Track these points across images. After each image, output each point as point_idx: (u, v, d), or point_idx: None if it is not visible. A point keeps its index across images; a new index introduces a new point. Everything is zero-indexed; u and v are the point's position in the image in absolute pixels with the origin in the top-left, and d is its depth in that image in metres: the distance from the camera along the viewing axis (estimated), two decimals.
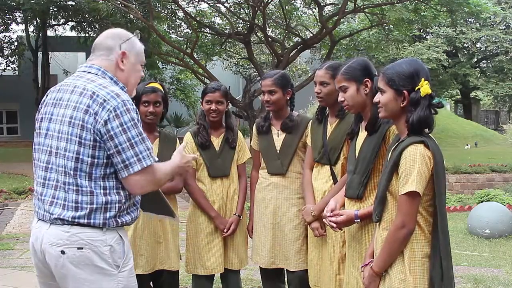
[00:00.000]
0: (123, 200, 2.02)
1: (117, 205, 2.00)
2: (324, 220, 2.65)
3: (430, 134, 2.09)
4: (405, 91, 2.06)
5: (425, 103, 2.04)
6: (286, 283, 3.32)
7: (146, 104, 3.12)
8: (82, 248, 1.96)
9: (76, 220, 1.96)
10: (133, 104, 2.04)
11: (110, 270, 1.99)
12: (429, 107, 2.05)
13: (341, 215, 2.50)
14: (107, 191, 1.99)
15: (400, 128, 2.15)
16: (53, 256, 1.99)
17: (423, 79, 2.05)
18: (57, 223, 1.99)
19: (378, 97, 2.17)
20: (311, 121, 3.15)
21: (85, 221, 1.97)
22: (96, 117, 1.94)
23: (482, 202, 7.93)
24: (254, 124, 3.41)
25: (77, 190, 1.97)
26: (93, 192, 1.97)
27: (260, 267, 3.33)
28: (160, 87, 3.19)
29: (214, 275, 3.34)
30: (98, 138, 1.95)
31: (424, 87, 2.03)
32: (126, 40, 2.13)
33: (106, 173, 1.98)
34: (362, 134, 2.60)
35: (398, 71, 2.09)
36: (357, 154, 2.57)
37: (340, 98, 2.60)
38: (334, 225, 2.50)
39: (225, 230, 3.24)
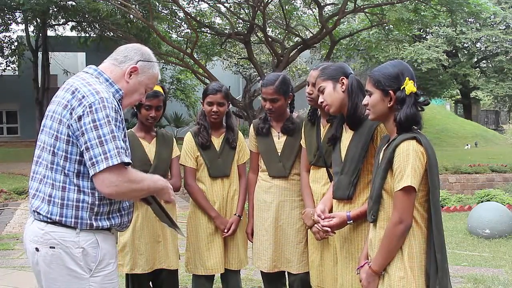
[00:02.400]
0: (97, 202, 1.99)
1: (89, 206, 1.98)
2: (316, 225, 2.65)
3: (419, 131, 2.14)
4: (391, 91, 2.13)
5: (410, 101, 2.10)
6: (288, 285, 3.31)
7: (148, 108, 3.14)
8: (54, 248, 1.97)
9: (49, 216, 1.97)
10: (114, 103, 1.99)
11: (81, 273, 1.97)
12: (415, 104, 2.11)
13: (333, 217, 2.51)
14: (80, 189, 1.97)
15: (389, 128, 2.20)
16: (30, 252, 2.04)
17: (407, 78, 2.12)
18: (37, 217, 2.01)
19: (366, 100, 2.22)
20: (303, 122, 3.13)
21: (57, 218, 1.96)
22: (72, 112, 1.94)
23: (482, 202, 7.93)
24: (251, 125, 3.37)
25: (52, 184, 1.98)
26: (65, 188, 1.97)
27: (261, 271, 3.31)
28: (161, 90, 3.21)
29: (214, 275, 3.35)
30: (71, 133, 1.94)
31: (409, 86, 2.11)
32: (145, 60, 2.13)
33: (81, 171, 1.96)
34: (346, 135, 2.62)
35: (384, 73, 2.16)
36: (342, 156, 2.59)
37: (320, 100, 2.65)
38: (328, 229, 2.50)
39: (225, 231, 3.24)
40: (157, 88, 3.18)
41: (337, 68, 2.65)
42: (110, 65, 2.12)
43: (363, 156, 2.51)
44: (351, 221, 2.47)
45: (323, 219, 2.53)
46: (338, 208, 2.59)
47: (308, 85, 2.95)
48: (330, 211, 2.65)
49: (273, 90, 3.10)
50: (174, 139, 3.40)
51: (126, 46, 2.18)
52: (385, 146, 2.19)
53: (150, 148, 3.23)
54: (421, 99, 2.14)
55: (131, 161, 1.97)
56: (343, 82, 2.59)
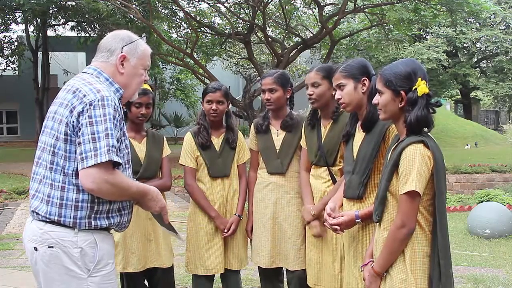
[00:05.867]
0: (97, 200, 1.99)
1: (89, 205, 1.98)
2: (325, 224, 2.65)
3: (429, 134, 2.10)
4: (402, 92, 2.08)
5: (422, 103, 2.05)
6: (286, 282, 3.32)
7: (138, 106, 3.16)
8: (52, 247, 1.97)
9: (48, 216, 1.97)
10: (115, 101, 2.00)
11: (79, 273, 1.98)
12: (426, 106, 2.06)
13: (342, 216, 2.50)
14: (79, 189, 1.97)
15: (399, 128, 2.16)
16: (29, 251, 2.04)
17: (420, 78, 2.07)
18: (36, 217, 2.02)
19: (377, 99, 2.18)
20: (304, 124, 3.14)
21: (56, 218, 1.96)
22: (73, 110, 1.95)
23: (482, 202, 7.93)
24: (252, 124, 3.40)
25: (51, 184, 1.98)
26: (64, 188, 1.97)
27: (258, 267, 3.33)
28: (150, 89, 3.24)
29: (214, 275, 3.35)
30: (69, 132, 1.94)
31: (421, 87, 2.05)
32: (128, 43, 2.12)
33: (79, 170, 1.96)
34: (359, 134, 2.60)
35: (395, 72, 2.10)
36: (355, 155, 2.57)
37: (337, 96, 2.61)
38: (338, 227, 2.49)
39: (225, 230, 3.24)
40: (145, 86, 3.19)
41: (360, 67, 2.58)
42: (102, 63, 2.12)
43: (374, 156, 2.48)
44: (359, 220, 2.46)
45: (332, 217, 2.52)
46: (348, 207, 2.58)
47: (308, 87, 2.95)
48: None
49: (271, 80, 3.16)
50: (164, 139, 3.41)
51: (104, 40, 2.17)
52: (393, 146, 2.17)
53: (140, 148, 3.23)
54: (433, 100, 2.09)
55: (120, 161, 1.97)
56: (364, 83, 2.54)
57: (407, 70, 2.09)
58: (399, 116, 2.12)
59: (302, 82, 12.84)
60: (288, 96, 3.24)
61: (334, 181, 2.89)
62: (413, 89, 2.06)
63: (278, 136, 3.24)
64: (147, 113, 3.21)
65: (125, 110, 3.20)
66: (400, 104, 2.09)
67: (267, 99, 3.18)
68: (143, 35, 2.27)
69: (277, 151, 3.21)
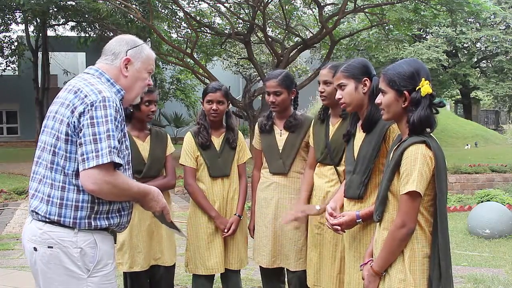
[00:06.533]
0: (97, 201, 1.99)
1: (89, 205, 1.98)
2: (326, 224, 2.65)
3: (431, 134, 2.10)
4: (406, 92, 2.07)
5: (425, 103, 2.05)
6: (286, 283, 3.33)
7: (148, 104, 3.16)
8: (52, 247, 1.97)
9: (48, 216, 1.97)
10: (116, 102, 2.00)
11: (79, 273, 1.97)
12: (430, 106, 2.06)
13: (342, 216, 2.50)
14: (80, 189, 1.97)
15: (401, 128, 2.16)
16: (28, 251, 2.04)
17: (423, 78, 2.06)
18: (35, 217, 2.01)
19: (379, 99, 2.17)
20: (313, 121, 3.15)
21: (56, 218, 1.96)
22: (74, 111, 1.95)
23: (482, 202, 7.93)
24: (257, 123, 3.41)
25: (51, 184, 1.98)
26: (65, 188, 1.97)
27: (260, 267, 3.34)
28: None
29: (214, 275, 3.35)
30: (70, 132, 1.95)
31: (425, 87, 2.05)
32: (133, 47, 2.13)
33: (80, 171, 1.96)
34: (360, 135, 2.60)
35: (399, 72, 2.10)
36: (355, 155, 2.57)
37: (337, 96, 2.61)
38: (338, 227, 2.49)
39: (225, 230, 3.24)
40: None
41: (361, 67, 2.57)
42: (104, 65, 2.13)
43: (375, 156, 2.48)
44: (360, 220, 2.46)
45: (333, 217, 2.52)
46: (349, 207, 2.58)
47: (320, 84, 2.96)
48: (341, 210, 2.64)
49: (276, 83, 3.15)
50: (168, 136, 3.42)
51: (109, 43, 2.18)
52: (395, 146, 2.16)
53: (144, 147, 3.23)
54: (436, 100, 2.08)
55: (121, 162, 1.97)
56: (365, 84, 2.54)
57: (411, 70, 2.08)
58: (402, 116, 2.12)
59: (302, 82, 12.85)
60: (292, 97, 3.24)
61: (340, 181, 2.89)
62: (416, 89, 2.06)
63: (281, 136, 3.25)
64: (155, 110, 3.24)
65: (131, 110, 3.20)
66: (403, 104, 2.09)
67: (272, 101, 3.18)
68: (148, 40, 2.28)
69: (280, 151, 3.22)
